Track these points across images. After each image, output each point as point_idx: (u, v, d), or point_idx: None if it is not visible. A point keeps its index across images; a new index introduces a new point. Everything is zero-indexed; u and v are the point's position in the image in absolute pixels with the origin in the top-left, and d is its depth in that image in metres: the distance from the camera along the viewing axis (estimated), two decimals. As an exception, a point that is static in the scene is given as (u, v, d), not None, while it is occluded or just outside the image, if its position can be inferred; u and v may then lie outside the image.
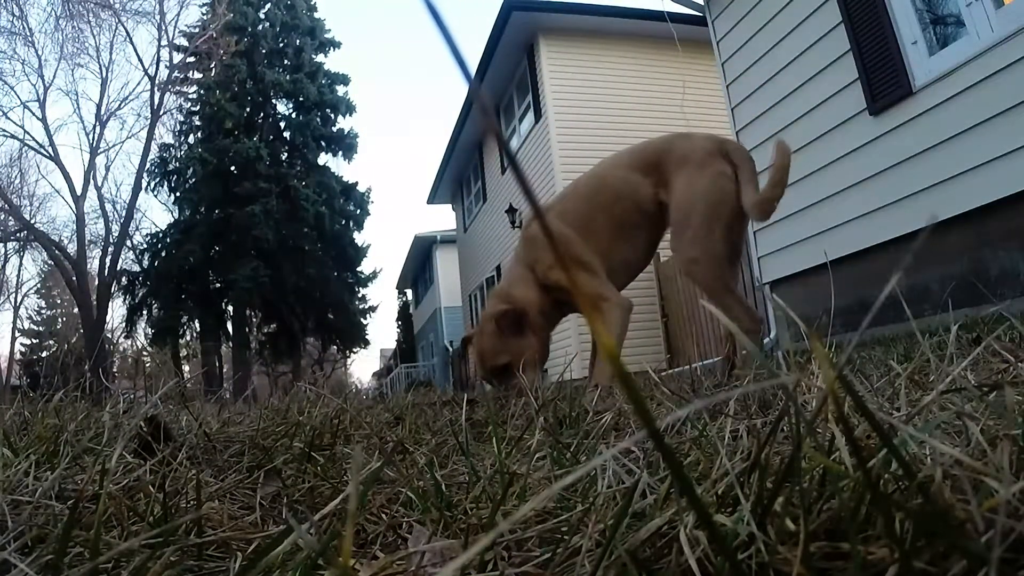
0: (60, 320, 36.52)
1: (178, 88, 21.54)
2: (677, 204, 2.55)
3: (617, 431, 1.08)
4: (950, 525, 0.37)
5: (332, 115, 24.07)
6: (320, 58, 24.14)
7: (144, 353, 21.60)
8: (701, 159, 2.55)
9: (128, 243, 21.39)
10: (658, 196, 2.67)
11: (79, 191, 19.55)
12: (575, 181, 2.93)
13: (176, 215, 22.78)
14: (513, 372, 2.50)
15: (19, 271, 29.32)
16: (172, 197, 22.62)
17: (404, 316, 31.98)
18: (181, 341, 23.11)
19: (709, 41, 6.89)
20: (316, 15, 24.31)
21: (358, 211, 24.24)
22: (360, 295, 25.01)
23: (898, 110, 4.75)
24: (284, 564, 0.51)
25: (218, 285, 21.91)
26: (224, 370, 25.27)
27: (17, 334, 31.13)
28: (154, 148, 21.13)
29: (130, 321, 21.96)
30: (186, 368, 22.70)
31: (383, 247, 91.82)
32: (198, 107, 22.33)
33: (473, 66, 9.64)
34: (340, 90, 24.24)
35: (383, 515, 0.72)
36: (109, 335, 22.36)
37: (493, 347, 2.60)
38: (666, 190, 2.63)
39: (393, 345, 33.56)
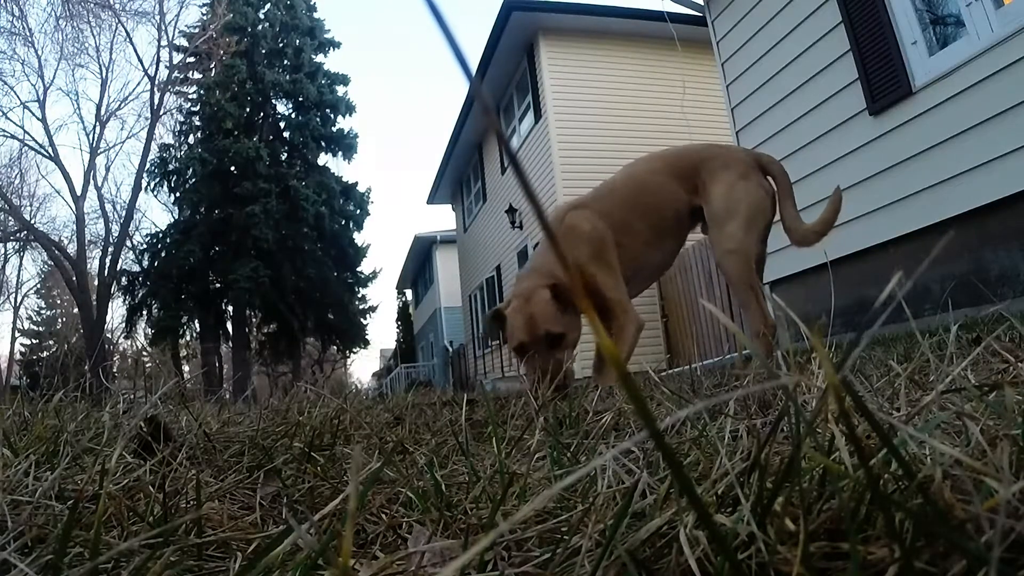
0: (60, 320, 36.49)
1: (178, 88, 21.54)
2: (720, 202, 2.62)
3: (617, 431, 1.08)
4: (950, 525, 0.37)
5: (332, 115, 24.07)
6: (320, 58, 24.15)
7: (144, 353, 21.57)
8: (744, 169, 2.66)
9: (128, 243, 21.39)
10: (692, 202, 2.73)
11: (79, 191, 19.55)
12: (611, 181, 2.86)
13: (176, 215, 22.78)
14: (558, 346, 2.38)
15: (19, 271, 29.33)
16: (172, 197, 22.62)
17: (404, 316, 31.97)
18: (181, 341, 23.10)
19: (709, 41, 6.89)
20: (316, 15, 24.31)
21: (358, 211, 24.24)
22: (360, 295, 25.02)
23: (898, 110, 4.75)
24: (284, 564, 0.51)
25: (218, 285, 21.89)
26: (224, 370, 25.26)
27: (17, 334, 31.13)
28: (154, 148, 21.13)
29: (130, 321, 21.95)
30: (186, 368, 22.70)
31: (383, 247, 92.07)
32: (198, 107, 22.32)
33: (473, 66, 9.58)
34: (340, 90, 24.24)
35: (383, 515, 0.72)
36: (109, 335, 22.35)
37: (546, 313, 2.37)
38: (701, 195, 2.70)
39: (393, 345, 33.57)
